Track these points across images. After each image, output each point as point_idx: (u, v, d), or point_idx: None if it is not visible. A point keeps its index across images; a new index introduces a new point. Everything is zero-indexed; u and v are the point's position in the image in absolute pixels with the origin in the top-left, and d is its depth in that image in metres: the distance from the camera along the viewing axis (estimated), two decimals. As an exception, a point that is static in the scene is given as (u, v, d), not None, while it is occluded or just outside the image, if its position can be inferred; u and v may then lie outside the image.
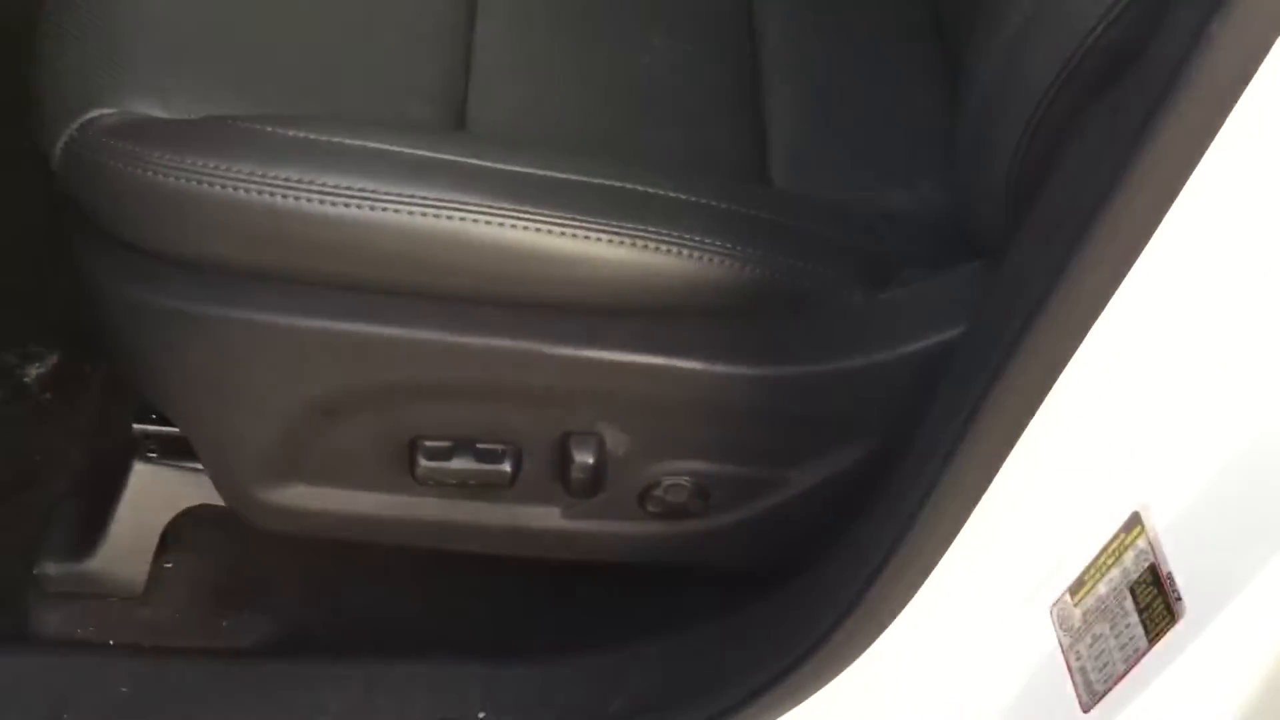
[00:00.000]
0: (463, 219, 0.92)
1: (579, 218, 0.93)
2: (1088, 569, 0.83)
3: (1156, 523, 0.79)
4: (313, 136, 0.94)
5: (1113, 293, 0.77)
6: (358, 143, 0.94)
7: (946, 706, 0.94)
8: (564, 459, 1.04)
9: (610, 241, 0.94)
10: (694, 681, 1.05)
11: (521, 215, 0.92)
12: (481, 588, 1.21)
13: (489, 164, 0.95)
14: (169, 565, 1.21)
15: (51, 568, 1.18)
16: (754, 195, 1.03)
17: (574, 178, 0.96)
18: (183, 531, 1.20)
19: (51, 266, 1.08)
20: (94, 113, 0.95)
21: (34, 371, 1.34)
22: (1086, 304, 0.78)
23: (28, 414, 1.31)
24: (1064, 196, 0.83)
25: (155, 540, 1.19)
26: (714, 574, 1.14)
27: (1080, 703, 0.82)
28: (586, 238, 0.93)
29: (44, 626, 1.18)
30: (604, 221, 0.94)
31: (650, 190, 0.97)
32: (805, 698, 0.96)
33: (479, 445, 1.04)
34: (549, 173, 0.96)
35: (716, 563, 1.14)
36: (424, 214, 0.92)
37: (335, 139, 0.94)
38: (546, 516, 1.09)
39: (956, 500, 0.87)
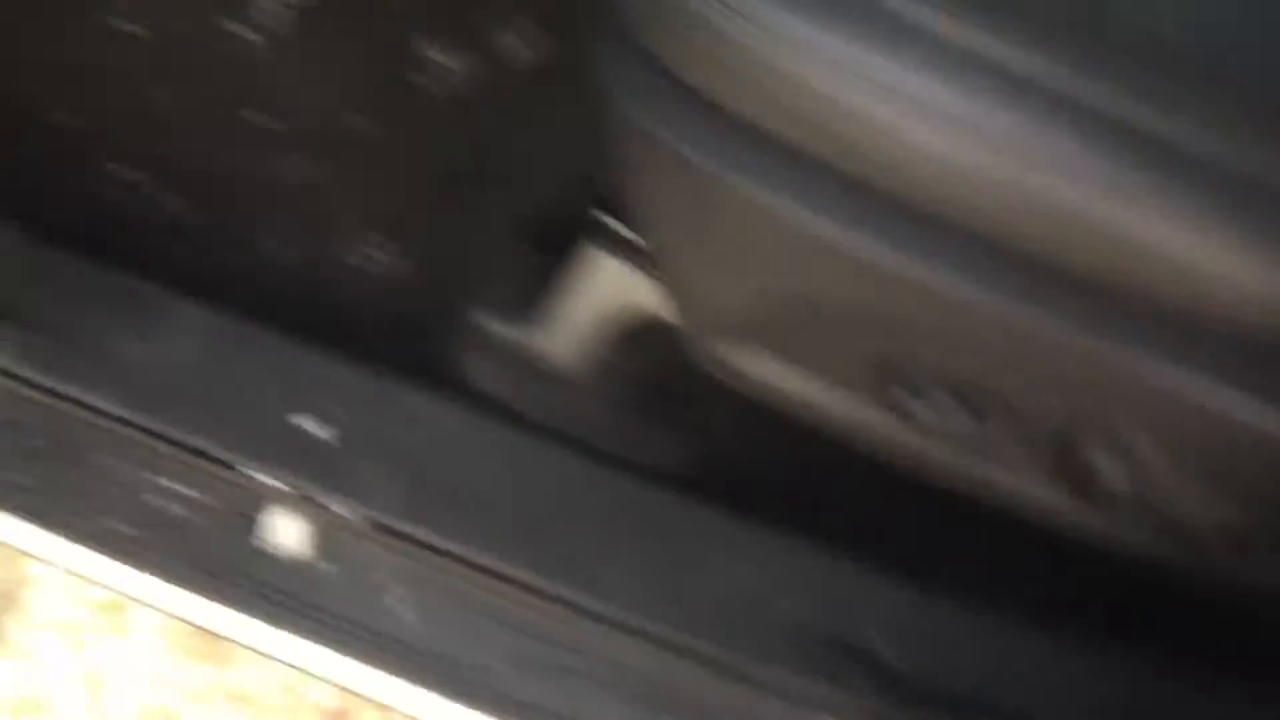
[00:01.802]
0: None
1: None
2: None
3: None
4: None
5: None
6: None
7: None
8: (1070, 453, 0.84)
9: None
10: None
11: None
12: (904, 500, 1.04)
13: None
14: (609, 361, 1.11)
15: (491, 324, 1.11)
16: None
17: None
18: (632, 331, 1.09)
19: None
20: None
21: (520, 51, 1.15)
22: None
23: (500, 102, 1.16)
24: None
25: (600, 331, 1.09)
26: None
27: None
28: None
29: (470, 377, 1.12)
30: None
31: None
32: None
33: (965, 395, 0.85)
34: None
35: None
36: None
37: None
38: (1026, 484, 0.91)
39: None
